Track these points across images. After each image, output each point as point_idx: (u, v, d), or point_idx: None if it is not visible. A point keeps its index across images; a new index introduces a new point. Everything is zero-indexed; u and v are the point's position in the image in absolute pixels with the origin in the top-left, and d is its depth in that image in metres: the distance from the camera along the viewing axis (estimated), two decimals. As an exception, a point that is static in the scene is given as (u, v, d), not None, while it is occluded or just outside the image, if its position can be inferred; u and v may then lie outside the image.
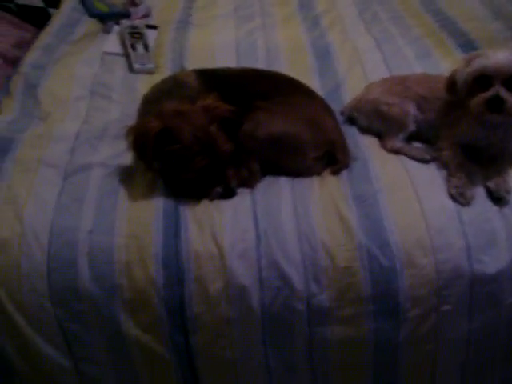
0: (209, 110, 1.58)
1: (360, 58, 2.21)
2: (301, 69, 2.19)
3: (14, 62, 2.27)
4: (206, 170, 1.54)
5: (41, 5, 2.62)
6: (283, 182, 1.64)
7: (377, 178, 1.63)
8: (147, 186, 1.63)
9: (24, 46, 2.37)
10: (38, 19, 2.59)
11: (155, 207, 1.56)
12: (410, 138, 1.77)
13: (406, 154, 1.73)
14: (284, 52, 2.31)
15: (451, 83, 1.61)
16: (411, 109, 1.74)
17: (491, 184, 1.58)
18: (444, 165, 1.65)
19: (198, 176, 1.55)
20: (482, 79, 1.51)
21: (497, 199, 1.56)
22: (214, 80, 1.82)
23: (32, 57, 2.27)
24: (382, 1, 2.69)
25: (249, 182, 1.63)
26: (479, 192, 1.57)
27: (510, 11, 2.46)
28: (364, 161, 1.71)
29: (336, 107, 1.92)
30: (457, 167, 1.61)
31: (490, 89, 1.49)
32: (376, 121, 1.81)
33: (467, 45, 2.25)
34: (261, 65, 2.23)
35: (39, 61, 2.24)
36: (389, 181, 1.59)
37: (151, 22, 2.67)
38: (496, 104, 1.49)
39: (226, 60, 2.27)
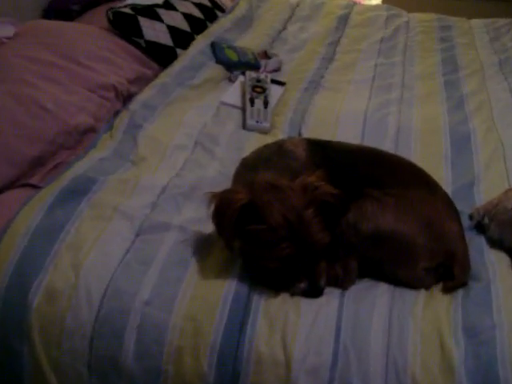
0: (308, 190, 1.39)
1: (504, 154, 1.92)
2: (432, 154, 1.96)
3: (126, 98, 2.19)
4: (292, 260, 1.34)
5: (170, 43, 2.57)
6: (382, 289, 1.42)
7: (498, 308, 1.36)
8: (223, 263, 1.46)
9: (142, 83, 2.31)
10: (164, 58, 2.53)
11: (225, 290, 1.39)
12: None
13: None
14: (417, 132, 2.08)
15: None
16: None
17: None
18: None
19: (281, 265, 1.35)
20: None
21: None
22: (325, 154, 1.62)
23: (144, 95, 2.19)
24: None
25: (341, 282, 1.44)
26: None
27: None
28: (487, 283, 1.44)
29: (464, 208, 1.66)
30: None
31: None
32: (511, 235, 1.50)
33: None
34: (388, 143, 2.02)
35: (151, 101, 2.16)
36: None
37: (280, 78, 2.53)
38: None
39: (349, 132, 2.09)
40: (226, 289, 1.39)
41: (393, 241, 1.44)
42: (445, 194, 1.58)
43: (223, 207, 1.37)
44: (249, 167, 1.62)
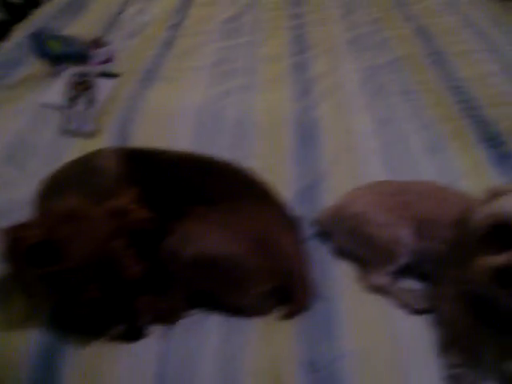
0: (117, 217, 1.18)
1: (352, 145, 1.79)
2: (275, 149, 1.80)
3: None
4: (104, 302, 1.15)
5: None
6: (215, 320, 1.26)
7: (344, 334, 1.23)
8: (25, 311, 1.24)
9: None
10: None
11: (28, 343, 1.19)
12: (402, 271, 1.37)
13: (392, 297, 1.32)
14: (259, 125, 1.90)
15: (463, 220, 1.15)
16: (405, 234, 1.33)
17: (507, 367, 1.14)
18: (442, 323, 1.22)
19: (92, 310, 1.15)
20: (502, 230, 1.05)
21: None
22: (146, 167, 1.40)
23: None
24: (394, 68, 2.26)
25: (167, 317, 1.26)
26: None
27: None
28: (331, 303, 1.31)
29: (310, 212, 1.52)
30: (459, 333, 1.17)
31: (509, 250, 1.04)
32: (357, 244, 1.40)
33: (492, 139, 1.82)
34: (226, 140, 1.84)
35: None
36: (362, 340, 1.22)
37: (112, 70, 2.26)
38: (508, 277, 1.04)
39: (182, 131, 1.89)
40: (29, 342, 1.18)
41: (219, 265, 1.25)
42: (279, 203, 1.41)
43: (12, 247, 1.14)
44: (51, 189, 1.38)
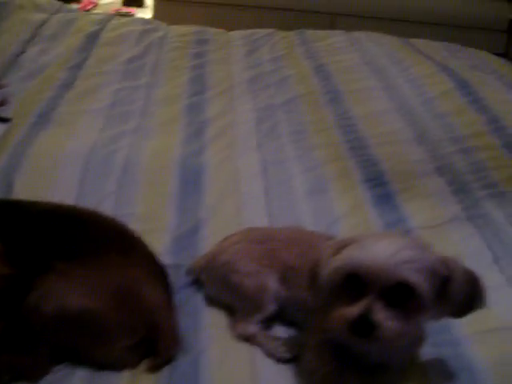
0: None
1: (236, 189, 1.79)
2: (158, 196, 1.79)
3: None
4: None
5: None
6: (80, 375, 1.22)
7: (207, 386, 1.18)
8: None
9: None
10: None
11: None
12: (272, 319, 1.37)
13: (259, 346, 1.30)
14: (144, 170, 1.88)
15: (313, 275, 1.17)
16: (271, 283, 1.33)
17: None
18: (307, 372, 1.22)
19: None
20: (352, 280, 1.08)
21: None
22: (11, 220, 1.37)
23: None
24: (289, 108, 2.30)
25: (30, 374, 1.22)
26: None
27: (436, 136, 2.08)
28: (196, 355, 1.28)
29: (187, 260, 1.51)
30: (321, 380, 1.18)
31: (362, 299, 1.05)
32: (226, 292, 1.40)
33: (376, 179, 1.87)
34: (111, 186, 1.82)
35: None
36: None
37: (5, 113, 2.22)
38: (363, 327, 1.05)
39: (68, 177, 1.85)
40: None
41: (81, 321, 1.23)
42: (148, 254, 1.40)
43: None
44: None
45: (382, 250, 1.04)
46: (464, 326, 1.34)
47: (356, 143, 2.06)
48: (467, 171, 1.94)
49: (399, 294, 1.04)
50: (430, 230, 1.66)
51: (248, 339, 1.33)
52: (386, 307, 1.04)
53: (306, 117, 2.25)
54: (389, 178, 1.87)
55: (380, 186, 1.82)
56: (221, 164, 1.92)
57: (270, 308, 1.34)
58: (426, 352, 1.28)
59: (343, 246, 1.11)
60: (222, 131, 2.14)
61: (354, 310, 1.05)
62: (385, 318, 1.03)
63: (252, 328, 1.33)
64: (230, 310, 1.39)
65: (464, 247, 1.61)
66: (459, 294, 1.08)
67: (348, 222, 1.66)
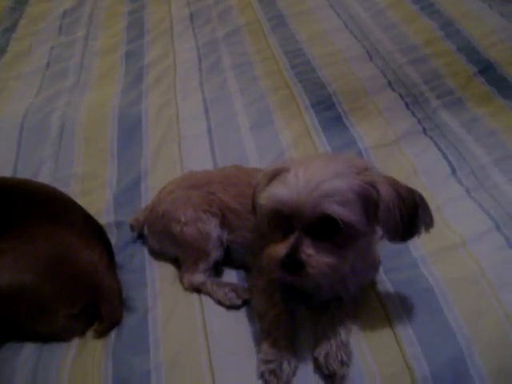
0: None
1: (178, 132, 1.70)
2: (97, 152, 1.72)
3: None
4: None
5: None
6: (28, 349, 1.19)
7: (157, 345, 1.16)
8: None
9: None
10: None
11: None
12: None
13: (209, 295, 1.26)
14: (82, 127, 1.78)
15: (253, 207, 1.12)
16: (213, 228, 1.27)
17: (319, 353, 1.09)
18: (256, 317, 1.17)
19: None
20: (281, 216, 1.01)
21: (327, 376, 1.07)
22: None
23: None
24: (233, 40, 2.18)
25: None
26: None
27: (387, 50, 1.99)
28: (144, 313, 1.23)
29: (130, 216, 1.43)
30: (270, 325, 1.12)
31: (290, 235, 0.99)
32: (169, 244, 1.32)
33: (324, 102, 1.78)
34: (49, 148, 1.77)
35: None
36: (176, 350, 1.14)
37: None
38: (292, 265, 0.99)
39: (3, 145, 1.74)
40: None
41: (15, 296, 1.18)
42: (80, 217, 1.33)
43: None
44: None
45: (303, 184, 0.97)
46: (423, 246, 1.29)
47: (302, 68, 1.96)
48: (421, 82, 1.85)
49: (326, 227, 0.97)
50: (384, 149, 1.58)
51: (197, 289, 1.27)
52: (314, 242, 0.98)
53: (249, 47, 2.14)
54: (338, 99, 1.78)
55: (329, 110, 1.73)
56: (161, 110, 1.83)
57: (215, 254, 1.28)
58: (385, 278, 1.24)
59: (275, 174, 1.03)
60: (163, 75, 2.05)
61: (282, 249, 0.98)
62: (311, 255, 0.97)
63: (199, 277, 1.27)
64: (177, 262, 1.32)
65: (420, 162, 1.54)
66: (390, 215, 1.00)
67: (296, 151, 1.58)
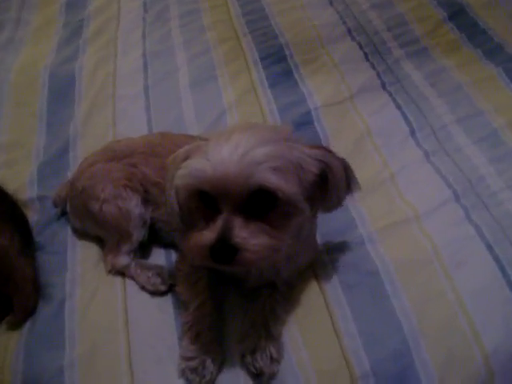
0: None
1: (113, 92, 1.55)
2: (25, 120, 1.56)
3: None
4: None
5: None
6: None
7: (72, 339, 1.05)
8: None
9: None
10: None
11: None
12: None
13: (132, 279, 1.15)
14: (12, 89, 1.62)
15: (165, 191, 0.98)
16: (135, 206, 1.14)
17: (245, 349, 0.99)
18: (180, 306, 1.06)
19: None
20: (204, 195, 0.87)
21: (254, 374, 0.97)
22: None
23: None
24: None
25: None
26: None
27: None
28: (60, 301, 1.12)
29: (54, 190, 1.29)
30: (193, 315, 1.01)
31: (218, 217, 0.84)
32: (89, 223, 1.20)
33: (274, 54, 1.62)
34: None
35: None
36: (92, 344, 1.04)
37: None
38: (224, 252, 0.84)
39: None
40: None
41: None
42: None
43: None
44: None
45: (228, 153, 0.82)
46: (372, 222, 1.18)
47: (254, 15, 1.80)
48: (384, 28, 1.70)
49: (259, 204, 0.83)
50: (336, 107, 1.45)
51: (120, 272, 1.16)
52: (247, 222, 0.84)
53: (198, -10, 1.95)
54: (290, 50, 1.63)
55: (279, 63, 1.59)
56: (97, 67, 1.68)
57: (138, 234, 1.16)
58: (327, 259, 1.12)
59: (192, 151, 0.89)
60: (104, 27, 1.88)
61: (209, 234, 0.84)
62: (246, 237, 0.83)
63: (123, 260, 1.16)
64: (101, 242, 1.20)
65: (376, 121, 1.40)
66: (339, 185, 0.91)
67: (239, 111, 1.44)
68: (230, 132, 0.86)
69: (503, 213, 1.16)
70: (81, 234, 1.24)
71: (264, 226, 0.85)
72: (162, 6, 1.92)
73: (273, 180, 0.81)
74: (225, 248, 0.83)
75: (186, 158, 0.89)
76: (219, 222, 0.84)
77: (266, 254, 0.86)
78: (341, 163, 0.91)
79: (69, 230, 1.25)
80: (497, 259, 1.09)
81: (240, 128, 0.88)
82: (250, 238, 0.83)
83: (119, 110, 1.51)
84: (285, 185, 0.82)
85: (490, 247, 1.11)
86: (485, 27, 1.64)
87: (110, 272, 1.16)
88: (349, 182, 0.92)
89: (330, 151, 0.91)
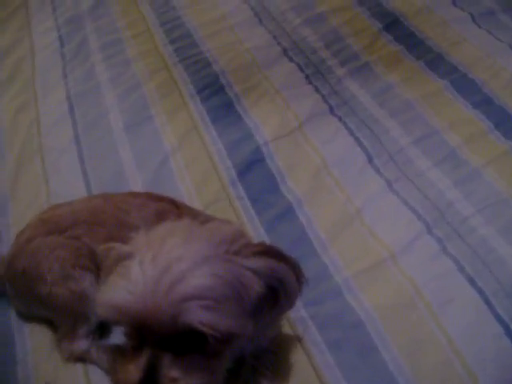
0: None
1: (40, 143, 1.42)
2: None
3: None
4: None
5: None
6: None
7: None
8: None
9: None
10: None
11: None
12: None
13: (95, 364, 1.03)
14: None
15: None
16: (89, 287, 1.00)
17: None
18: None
19: None
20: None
21: None
22: None
23: None
24: (98, 13, 1.86)
25: None
26: None
27: (278, 9, 1.74)
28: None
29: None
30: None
31: (143, 350, 0.72)
32: (37, 308, 1.07)
33: (211, 85, 1.53)
34: None
35: None
36: None
37: None
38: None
39: None
40: None
41: None
42: None
43: None
44: None
45: (152, 282, 0.68)
46: (346, 267, 1.11)
47: (182, 42, 1.69)
48: (322, 46, 1.63)
49: (190, 338, 0.70)
50: (286, 139, 1.37)
51: (80, 359, 1.04)
52: (176, 360, 0.72)
53: (119, 21, 1.83)
54: (227, 79, 1.53)
55: (217, 94, 1.49)
56: (17, 115, 1.53)
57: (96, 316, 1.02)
58: (305, 314, 1.04)
59: (118, 260, 0.76)
60: (18, 67, 1.71)
61: (133, 372, 0.72)
62: (176, 379, 0.71)
63: (81, 344, 1.04)
64: (52, 324, 1.06)
65: (330, 151, 1.33)
66: (291, 293, 0.79)
67: (182, 155, 1.34)
68: (162, 240, 0.73)
69: (478, 240, 1.12)
70: (26, 316, 1.10)
71: (197, 359, 0.73)
72: (80, 38, 1.78)
73: (204, 320, 0.68)
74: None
75: (117, 261, 0.76)
76: (144, 359, 0.71)
77: None
78: (291, 268, 0.79)
79: (12, 314, 1.12)
80: (480, 291, 1.05)
81: (174, 234, 0.74)
82: (181, 378, 0.72)
83: (49, 164, 1.37)
84: (219, 322, 0.69)
85: (471, 280, 1.06)
86: (422, 37, 1.60)
87: (67, 360, 1.04)
88: (301, 282, 0.81)
89: (279, 257, 0.78)
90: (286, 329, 1.02)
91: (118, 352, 0.76)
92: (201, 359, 0.73)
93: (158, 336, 0.70)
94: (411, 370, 0.95)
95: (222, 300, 0.69)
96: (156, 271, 0.68)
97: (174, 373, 0.71)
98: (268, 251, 0.77)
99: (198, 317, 0.67)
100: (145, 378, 0.70)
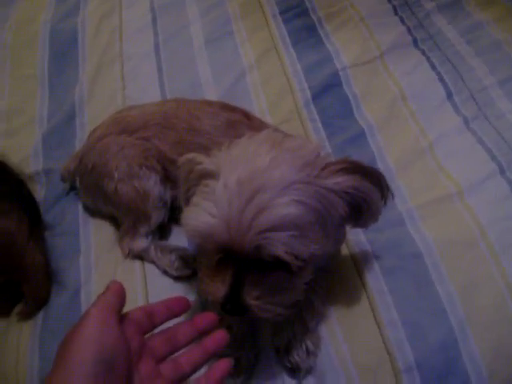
0: None
1: (121, 50, 1.44)
2: (24, 80, 1.44)
3: None
4: None
5: None
6: None
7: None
8: None
9: None
10: None
11: None
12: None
13: (153, 262, 1.08)
14: (7, 49, 1.53)
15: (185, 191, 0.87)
16: (153, 187, 1.04)
17: (279, 342, 0.93)
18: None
19: None
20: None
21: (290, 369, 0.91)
22: None
23: None
24: None
25: None
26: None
27: None
28: (75, 289, 1.05)
29: (61, 162, 1.20)
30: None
31: (229, 269, 0.75)
32: (102, 203, 1.11)
33: (295, 7, 1.52)
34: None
35: None
36: None
37: None
38: (234, 308, 0.75)
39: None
40: None
41: None
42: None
43: None
44: None
45: (236, 211, 0.69)
46: (412, 198, 1.10)
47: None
48: (413, -25, 1.55)
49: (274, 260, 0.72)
50: (366, 67, 1.35)
51: (139, 256, 1.09)
52: (259, 278, 0.74)
53: None
54: (312, 3, 1.50)
55: (301, 16, 1.47)
56: (101, 22, 1.55)
57: (158, 215, 1.07)
58: (365, 240, 1.04)
59: (202, 177, 0.77)
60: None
61: (219, 287, 0.75)
62: (258, 297, 0.74)
63: (141, 243, 1.08)
64: (115, 221, 1.11)
65: (409, 83, 1.30)
66: (375, 210, 0.80)
67: (259, 73, 1.34)
68: (245, 163, 0.72)
69: (551, 185, 1.09)
70: (93, 211, 1.15)
71: (280, 276, 0.76)
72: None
73: (288, 250, 0.69)
74: (235, 305, 0.74)
75: (201, 177, 0.78)
76: (229, 277, 0.74)
77: (280, 311, 0.77)
78: (375, 182, 0.78)
79: (79, 207, 1.17)
80: (545, 237, 1.02)
81: (256, 160, 0.73)
82: (264, 295, 0.74)
83: (128, 71, 1.40)
84: (303, 249, 0.71)
85: (540, 226, 1.03)
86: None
87: (127, 256, 1.09)
88: (385, 196, 0.81)
89: (362, 172, 0.77)
90: (344, 250, 1.02)
91: (205, 265, 0.80)
92: (283, 277, 0.76)
93: (240, 257, 0.72)
94: (463, 308, 0.94)
95: (305, 227, 0.70)
96: (241, 199, 0.69)
97: (256, 292, 0.74)
98: (351, 168, 0.76)
99: (283, 247, 0.69)
100: (230, 294, 0.73)
